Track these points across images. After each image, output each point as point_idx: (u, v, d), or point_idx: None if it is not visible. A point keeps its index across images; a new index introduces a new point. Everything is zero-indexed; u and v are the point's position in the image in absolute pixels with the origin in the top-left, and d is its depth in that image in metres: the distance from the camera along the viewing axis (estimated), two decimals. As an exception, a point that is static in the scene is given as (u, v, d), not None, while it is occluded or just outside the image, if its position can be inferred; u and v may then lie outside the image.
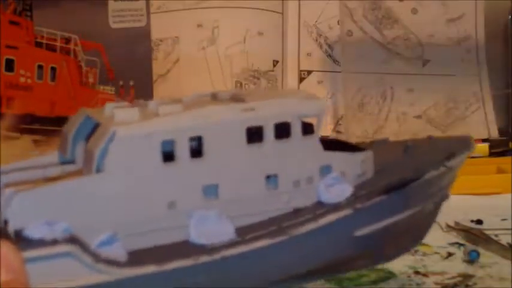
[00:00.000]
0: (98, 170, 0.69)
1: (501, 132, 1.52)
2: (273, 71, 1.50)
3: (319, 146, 0.78)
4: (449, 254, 1.01)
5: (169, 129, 0.71)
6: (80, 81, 1.36)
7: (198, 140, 0.72)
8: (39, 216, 0.66)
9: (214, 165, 0.73)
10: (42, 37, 1.32)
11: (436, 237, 1.02)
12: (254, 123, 0.74)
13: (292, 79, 1.52)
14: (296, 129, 0.76)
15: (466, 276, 0.94)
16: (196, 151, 0.73)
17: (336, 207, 0.76)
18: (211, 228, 0.72)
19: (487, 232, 1.08)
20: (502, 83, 1.54)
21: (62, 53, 1.34)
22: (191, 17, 1.47)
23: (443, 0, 1.51)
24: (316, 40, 1.52)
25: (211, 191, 0.73)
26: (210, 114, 0.73)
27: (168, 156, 0.72)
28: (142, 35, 1.40)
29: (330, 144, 0.80)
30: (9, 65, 1.29)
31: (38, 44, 1.32)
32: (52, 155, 0.78)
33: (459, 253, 1.01)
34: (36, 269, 0.60)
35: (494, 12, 1.53)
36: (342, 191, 0.77)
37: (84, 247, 0.65)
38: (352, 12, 1.51)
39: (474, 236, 1.06)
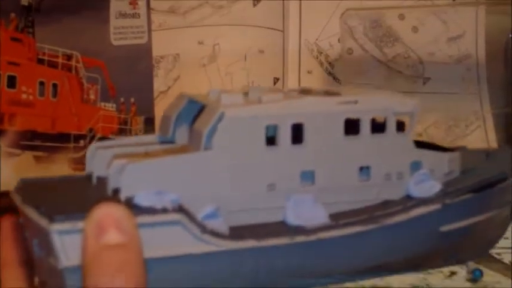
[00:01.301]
0: (206, 148, 0.73)
1: (501, 150, 1.51)
2: (273, 88, 1.50)
3: (411, 143, 0.81)
4: (452, 273, 1.01)
5: (274, 114, 0.75)
6: (81, 98, 1.36)
7: (299, 127, 0.76)
8: (148, 186, 0.69)
9: (312, 153, 0.76)
10: (44, 54, 1.32)
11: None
12: (352, 115, 0.78)
13: (292, 96, 1.51)
14: (391, 125, 0.79)
15: (470, 295, 0.93)
16: (297, 138, 0.76)
17: (425, 201, 0.79)
18: (307, 211, 0.75)
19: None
20: (503, 102, 1.54)
21: (64, 69, 1.34)
22: (192, 34, 1.47)
23: (444, 19, 1.52)
24: (317, 58, 1.52)
25: (308, 176, 0.77)
26: (311, 104, 0.77)
27: (271, 140, 0.76)
28: (144, 52, 1.40)
29: (417, 144, 0.83)
30: (11, 82, 1.29)
31: (40, 61, 1.32)
32: (151, 136, 0.84)
33: (462, 272, 1.01)
34: (146, 235, 0.63)
35: (495, 30, 1.53)
36: (430, 187, 0.80)
37: (192, 217, 0.70)
38: (352, 30, 1.51)
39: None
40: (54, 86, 1.34)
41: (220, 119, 0.73)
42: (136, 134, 1.40)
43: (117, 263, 0.58)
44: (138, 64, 1.39)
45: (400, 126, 0.80)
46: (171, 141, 0.82)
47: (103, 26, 1.37)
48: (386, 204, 0.79)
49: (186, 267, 0.70)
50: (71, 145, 1.34)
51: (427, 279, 0.98)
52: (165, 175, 0.71)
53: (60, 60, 1.34)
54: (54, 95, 1.34)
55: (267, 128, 0.75)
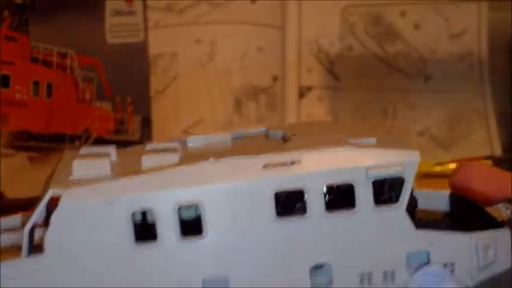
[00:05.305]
0: (32, 252, 0.52)
1: (504, 149, 1.50)
2: (272, 87, 1.49)
3: (407, 221, 0.52)
4: None
5: (145, 194, 0.50)
6: (77, 97, 1.34)
7: (194, 211, 0.52)
8: None
9: (219, 249, 0.51)
10: (38, 52, 1.31)
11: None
12: (288, 185, 0.51)
13: (292, 95, 1.50)
14: (364, 195, 0.50)
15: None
16: (191, 228, 0.52)
17: None
18: None
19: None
20: (505, 100, 1.53)
21: (58, 68, 1.33)
22: (189, 32, 1.46)
23: (446, 16, 1.50)
24: (317, 56, 1.50)
25: (216, 286, 0.52)
26: (211, 173, 0.51)
27: (146, 233, 0.51)
28: (140, 51, 1.38)
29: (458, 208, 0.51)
30: (5, 81, 1.27)
31: (34, 60, 1.30)
32: None
33: None
34: None
35: (498, 27, 1.52)
36: None
37: None
38: (353, 28, 1.49)
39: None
40: (49, 85, 1.32)
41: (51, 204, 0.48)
42: (132, 134, 1.38)
43: None
44: (135, 63, 1.38)
45: (389, 195, 0.51)
46: None
47: (98, 24, 1.35)
48: None
49: None
50: (66, 146, 1.32)
51: None
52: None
53: (54, 59, 1.32)
54: (49, 94, 1.32)
55: (134, 215, 0.50)
